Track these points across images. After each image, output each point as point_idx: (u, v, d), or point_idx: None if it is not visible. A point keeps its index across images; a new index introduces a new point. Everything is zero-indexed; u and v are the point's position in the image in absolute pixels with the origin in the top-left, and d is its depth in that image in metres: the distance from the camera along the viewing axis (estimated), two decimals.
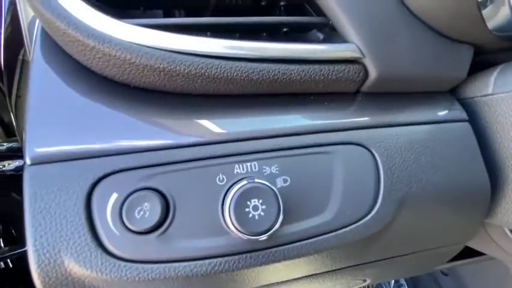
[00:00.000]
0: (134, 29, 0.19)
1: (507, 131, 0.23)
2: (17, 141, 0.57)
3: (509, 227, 0.26)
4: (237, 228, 0.17)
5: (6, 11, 0.49)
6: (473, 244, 0.35)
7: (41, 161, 0.18)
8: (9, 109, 0.52)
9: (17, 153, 0.56)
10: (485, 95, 0.24)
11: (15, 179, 0.61)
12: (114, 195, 0.18)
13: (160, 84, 0.20)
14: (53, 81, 0.20)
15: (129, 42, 0.19)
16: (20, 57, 0.54)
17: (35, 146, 0.18)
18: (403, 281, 1.19)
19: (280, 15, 0.25)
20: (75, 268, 0.17)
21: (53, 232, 0.17)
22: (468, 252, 0.44)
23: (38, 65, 0.20)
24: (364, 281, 0.30)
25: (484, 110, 0.25)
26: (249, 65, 0.20)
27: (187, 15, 0.25)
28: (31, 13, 0.37)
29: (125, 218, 0.17)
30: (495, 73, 0.24)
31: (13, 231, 0.66)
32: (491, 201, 0.24)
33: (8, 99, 0.51)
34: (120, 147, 0.18)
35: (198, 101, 0.21)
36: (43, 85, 0.19)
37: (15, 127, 0.52)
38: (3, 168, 0.55)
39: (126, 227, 0.17)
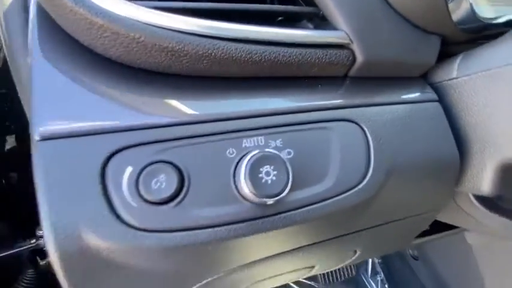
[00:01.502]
0: (143, 9, 0.20)
1: (470, 109, 0.27)
2: None
3: (473, 192, 0.30)
4: (252, 192, 0.18)
5: None
6: (445, 218, 0.39)
7: (52, 137, 0.18)
8: None
9: None
10: (451, 79, 0.28)
11: None
12: (129, 169, 0.18)
13: (166, 65, 0.21)
14: (59, 60, 0.20)
15: (138, 21, 0.19)
16: None
17: (45, 121, 0.18)
18: (379, 269, 1.27)
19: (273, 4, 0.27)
20: (93, 240, 0.17)
21: (69, 205, 0.17)
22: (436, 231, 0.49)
23: (41, 45, 0.20)
24: (355, 252, 0.33)
25: (451, 91, 0.28)
26: (253, 47, 0.21)
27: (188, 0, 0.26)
28: (7, 1, 0.36)
29: (141, 189, 0.18)
30: (458, 60, 0.28)
31: None
32: (460, 170, 0.28)
33: None
34: (133, 124, 0.19)
35: (204, 82, 0.22)
36: (48, 64, 0.19)
37: None
38: None
39: (143, 198, 0.18)
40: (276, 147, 0.21)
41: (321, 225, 0.23)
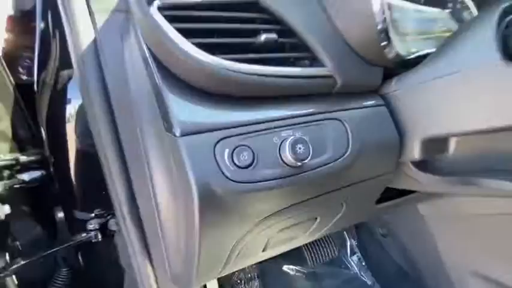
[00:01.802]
0: (224, 61, 0.35)
1: (403, 109, 0.46)
2: (33, 154, 0.62)
3: (410, 160, 0.48)
4: (293, 158, 0.34)
5: (39, 37, 0.57)
6: (398, 184, 0.58)
7: (186, 134, 0.32)
8: (42, 126, 0.58)
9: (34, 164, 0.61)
10: (391, 92, 0.47)
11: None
12: (227, 150, 0.33)
13: (235, 91, 0.37)
14: (178, 89, 0.34)
15: (223, 68, 0.35)
16: (42, 79, 0.62)
17: (182, 125, 0.32)
18: (356, 249, 1.47)
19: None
20: (214, 188, 0.32)
21: (201, 171, 0.32)
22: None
23: (163, 80, 0.34)
24: (342, 206, 0.50)
25: (391, 99, 0.47)
26: (282, 79, 0.38)
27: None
28: (84, 45, 0.49)
29: (235, 160, 0.33)
30: (394, 80, 0.47)
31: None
32: (400, 147, 0.46)
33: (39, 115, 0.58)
34: (225, 125, 0.34)
35: (254, 101, 0.38)
36: (184, 93, 0.34)
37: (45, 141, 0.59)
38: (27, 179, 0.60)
39: (236, 165, 0.33)
40: (300, 135, 0.37)
41: (324, 181, 0.40)
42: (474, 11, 0.58)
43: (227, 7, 0.38)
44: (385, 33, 0.41)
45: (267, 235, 0.47)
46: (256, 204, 0.36)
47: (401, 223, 1.23)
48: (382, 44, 0.42)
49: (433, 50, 0.45)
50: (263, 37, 0.38)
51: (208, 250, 0.40)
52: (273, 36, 0.39)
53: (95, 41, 0.48)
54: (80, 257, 0.72)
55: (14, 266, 0.54)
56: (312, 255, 1.31)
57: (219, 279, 1.06)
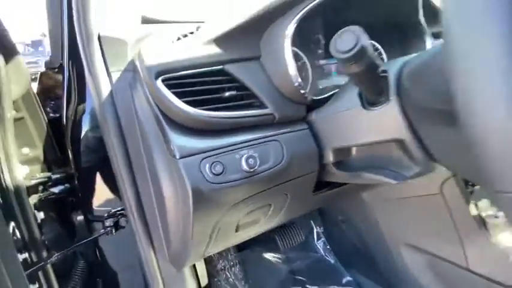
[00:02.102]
0: (201, 112, 0.59)
1: (319, 131, 0.72)
2: (60, 172, 0.81)
3: (329, 162, 0.74)
4: (248, 166, 0.59)
5: (66, 84, 0.78)
6: (329, 178, 0.84)
7: (183, 156, 0.55)
8: (69, 149, 0.78)
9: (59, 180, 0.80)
10: (312, 119, 0.73)
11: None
12: (207, 164, 0.57)
13: (210, 127, 0.60)
14: (178, 128, 0.58)
15: (200, 115, 0.58)
16: (67, 115, 0.83)
17: (181, 150, 0.55)
18: (321, 235, 1.74)
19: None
20: (202, 188, 0.55)
21: (193, 179, 0.55)
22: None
23: (169, 124, 0.58)
24: (287, 196, 0.75)
25: (313, 124, 0.73)
26: (241, 119, 0.62)
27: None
28: (103, 95, 0.71)
29: (213, 170, 0.57)
30: (314, 111, 0.73)
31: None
32: (319, 155, 0.72)
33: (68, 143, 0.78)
34: (205, 149, 0.58)
35: (220, 132, 0.62)
36: (175, 129, 0.57)
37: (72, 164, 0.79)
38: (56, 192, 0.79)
39: (213, 173, 0.57)
40: (252, 153, 0.62)
41: (269, 179, 0.65)
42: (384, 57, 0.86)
43: (204, 75, 0.62)
44: (301, 86, 0.67)
45: (237, 217, 0.71)
46: (227, 196, 0.60)
47: (354, 210, 1.51)
48: (302, 92, 0.67)
49: (335, 91, 0.71)
50: (227, 93, 0.63)
51: (198, 229, 0.63)
52: (234, 92, 0.63)
53: (111, 92, 0.71)
54: (97, 252, 0.92)
55: (53, 257, 0.74)
56: (284, 242, 1.57)
57: (206, 268, 1.27)
